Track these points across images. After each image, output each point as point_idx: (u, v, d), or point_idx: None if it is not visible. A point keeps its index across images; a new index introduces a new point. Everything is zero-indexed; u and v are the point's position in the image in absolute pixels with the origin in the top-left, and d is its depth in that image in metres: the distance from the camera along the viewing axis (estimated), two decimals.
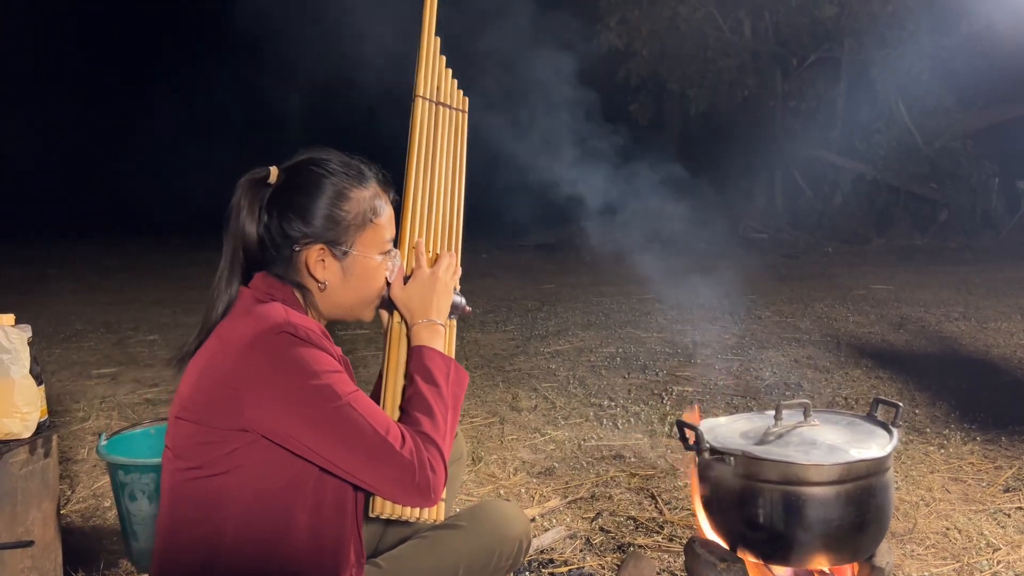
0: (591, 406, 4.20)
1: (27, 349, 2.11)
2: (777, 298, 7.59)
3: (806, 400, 2.07)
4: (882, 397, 2.15)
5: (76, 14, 17.52)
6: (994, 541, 2.56)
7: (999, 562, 2.43)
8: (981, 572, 2.39)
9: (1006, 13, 10.38)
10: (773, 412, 2.07)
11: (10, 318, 2.13)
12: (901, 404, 2.05)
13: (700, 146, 14.14)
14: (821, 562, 1.90)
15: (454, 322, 1.68)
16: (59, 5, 17.28)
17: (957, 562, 2.44)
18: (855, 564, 1.96)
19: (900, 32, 12.50)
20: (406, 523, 1.57)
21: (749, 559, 1.95)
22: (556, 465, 3.35)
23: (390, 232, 1.57)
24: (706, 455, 1.94)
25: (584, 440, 3.66)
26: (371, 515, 1.50)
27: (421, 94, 1.76)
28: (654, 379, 4.72)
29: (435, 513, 1.53)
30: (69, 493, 3.09)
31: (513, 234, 13.29)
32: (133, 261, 12.18)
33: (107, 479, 3.10)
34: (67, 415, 4.11)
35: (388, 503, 1.48)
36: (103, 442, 2.51)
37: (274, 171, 1.52)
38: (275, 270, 1.50)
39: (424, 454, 1.38)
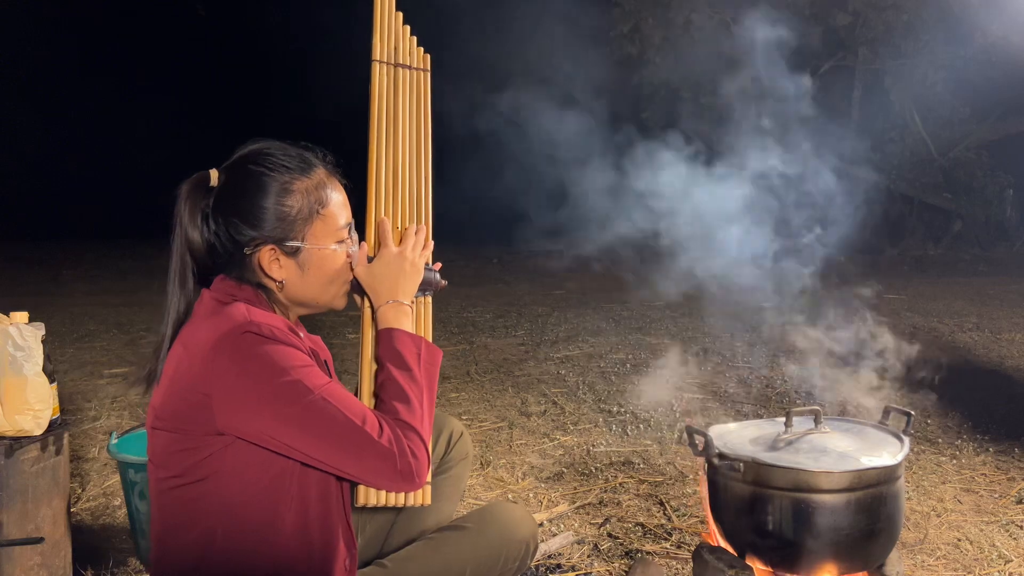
0: (600, 412, 4.19)
1: (40, 347, 2.12)
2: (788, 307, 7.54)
3: (816, 407, 2.06)
4: (893, 405, 2.13)
5: (92, 16, 17.67)
6: (1006, 553, 2.54)
7: (1011, 574, 2.41)
8: None
9: (1021, 24, 10.32)
10: (783, 419, 2.07)
11: (24, 316, 2.15)
12: (912, 413, 2.03)
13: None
14: (831, 570, 1.89)
15: (429, 299, 1.62)
16: (83, 8, 17.44)
17: (968, 573, 2.42)
18: (865, 573, 1.95)
19: (915, 42, 12.45)
20: (394, 510, 1.55)
21: (758, 566, 1.94)
22: (565, 470, 3.34)
23: (344, 217, 1.51)
24: (715, 461, 1.94)
25: (593, 446, 3.65)
26: (356, 505, 1.47)
27: (378, 58, 1.65)
28: (664, 385, 4.70)
29: (422, 497, 1.50)
30: (80, 491, 3.10)
31: (523, 240, 13.28)
32: (146, 263, 12.23)
33: (117, 478, 3.12)
34: (79, 414, 4.13)
35: (372, 492, 1.46)
36: (114, 441, 2.53)
37: (214, 174, 1.47)
38: (232, 273, 1.46)
39: (404, 442, 1.36)
